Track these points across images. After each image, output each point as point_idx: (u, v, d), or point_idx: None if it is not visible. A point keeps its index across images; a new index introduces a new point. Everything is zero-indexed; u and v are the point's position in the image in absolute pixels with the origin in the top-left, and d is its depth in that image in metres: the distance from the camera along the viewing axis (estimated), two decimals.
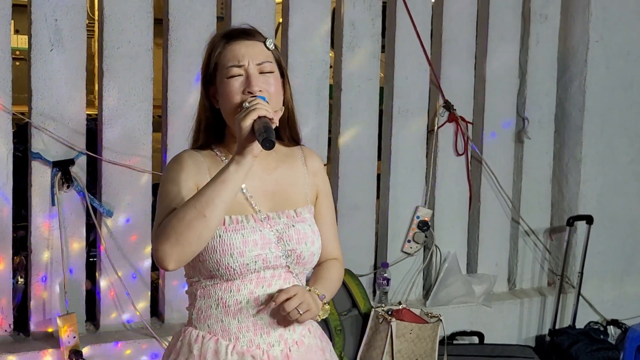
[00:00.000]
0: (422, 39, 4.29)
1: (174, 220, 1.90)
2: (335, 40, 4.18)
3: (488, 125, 4.58)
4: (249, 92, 1.99)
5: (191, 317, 2.10)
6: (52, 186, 3.46)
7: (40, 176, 3.47)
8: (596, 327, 4.72)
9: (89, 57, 3.67)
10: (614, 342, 4.67)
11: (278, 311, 2.00)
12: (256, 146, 1.89)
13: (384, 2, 4.25)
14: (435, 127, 4.42)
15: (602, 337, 4.58)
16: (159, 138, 3.80)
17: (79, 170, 3.53)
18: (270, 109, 1.93)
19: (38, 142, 3.45)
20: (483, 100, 4.56)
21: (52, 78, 3.44)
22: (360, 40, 4.14)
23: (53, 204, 3.47)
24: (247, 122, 1.88)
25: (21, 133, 3.66)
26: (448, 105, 4.41)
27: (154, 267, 3.81)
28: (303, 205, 2.13)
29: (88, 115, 3.62)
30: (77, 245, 3.57)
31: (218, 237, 1.98)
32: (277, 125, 1.96)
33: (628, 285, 5.00)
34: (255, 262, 1.99)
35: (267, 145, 1.85)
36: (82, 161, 3.55)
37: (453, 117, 4.43)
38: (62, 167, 3.46)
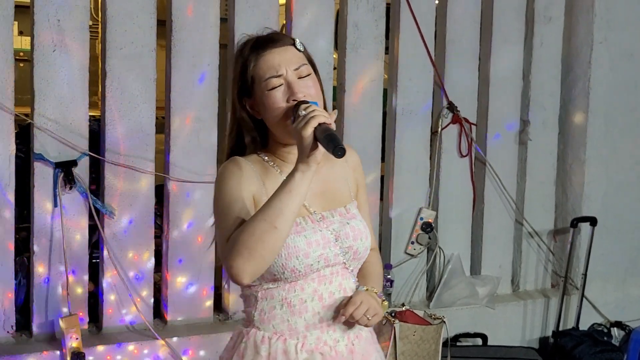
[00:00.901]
0: (425, 40, 4.28)
1: (244, 235, 1.88)
2: (339, 41, 4.18)
3: (492, 126, 4.57)
4: (293, 100, 1.98)
5: (252, 319, 2.09)
6: (55, 187, 3.46)
7: (43, 177, 3.46)
8: (600, 328, 4.71)
9: (94, 58, 3.67)
10: (617, 344, 4.66)
11: (339, 309, 2.04)
12: (319, 153, 1.88)
13: (387, 4, 4.24)
14: (439, 129, 4.41)
15: (605, 338, 4.58)
16: (162, 139, 3.79)
17: (81, 172, 3.52)
18: (325, 113, 1.91)
19: (40, 144, 3.44)
20: (487, 101, 4.55)
21: (54, 79, 3.44)
22: (363, 42, 4.13)
23: (55, 205, 3.47)
24: (309, 131, 1.86)
25: (24, 134, 3.66)
26: (452, 107, 4.40)
27: (157, 269, 3.81)
28: (349, 202, 2.17)
29: (91, 116, 3.62)
30: (80, 246, 3.57)
31: None
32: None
33: (632, 287, 4.99)
34: (318, 262, 2.02)
35: (339, 153, 1.83)
36: (84, 162, 3.54)
37: (457, 119, 4.42)
38: (65, 168, 3.45)
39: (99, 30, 3.67)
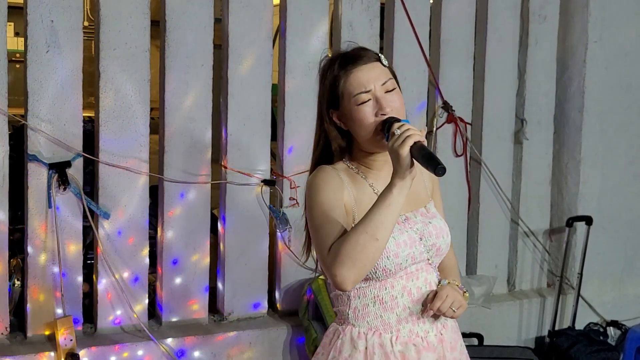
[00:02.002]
0: (420, 39, 4.28)
1: (347, 246, 2.02)
2: (334, 41, 4.18)
3: (487, 126, 4.57)
4: (382, 114, 2.12)
5: (347, 317, 2.23)
6: (49, 188, 3.45)
7: (37, 178, 3.46)
8: (596, 328, 4.71)
9: (90, 59, 3.66)
10: (613, 344, 4.66)
11: (426, 303, 2.19)
12: (415, 170, 2.02)
13: (382, 3, 4.23)
14: (434, 128, 4.41)
15: (601, 338, 4.58)
16: (156, 140, 3.79)
17: (75, 172, 3.52)
18: (417, 131, 2.03)
19: (34, 144, 3.44)
20: (482, 101, 4.55)
21: (48, 79, 3.43)
22: (358, 41, 4.03)
23: (50, 206, 3.46)
24: (405, 151, 1.99)
25: (17, 135, 3.65)
26: (447, 106, 4.40)
27: (151, 269, 3.81)
28: (428, 201, 2.32)
29: (87, 117, 3.61)
30: (74, 247, 3.56)
31: None
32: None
33: (628, 286, 4.99)
34: (406, 260, 2.17)
35: (441, 172, 1.96)
36: (78, 163, 3.53)
37: (452, 118, 4.42)
38: (59, 169, 3.45)
39: (94, 31, 3.66)
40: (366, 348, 2.19)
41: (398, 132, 2.03)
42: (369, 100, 2.14)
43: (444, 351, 2.24)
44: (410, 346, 2.19)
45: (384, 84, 2.16)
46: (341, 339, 2.23)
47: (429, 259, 2.23)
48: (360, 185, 2.21)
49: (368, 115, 2.14)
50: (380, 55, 2.22)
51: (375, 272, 2.15)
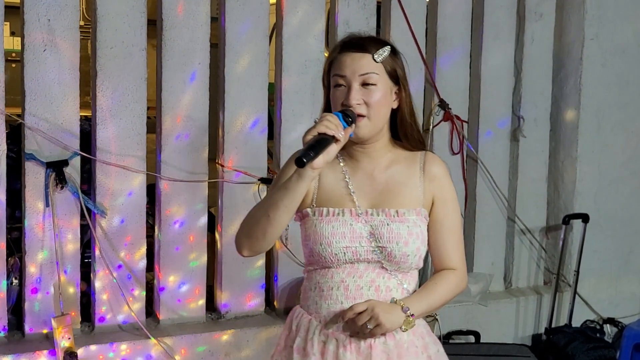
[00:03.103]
0: (416, 37, 4.28)
1: (248, 215, 2.14)
2: (330, 39, 4.18)
3: (483, 123, 4.57)
4: (345, 105, 2.12)
5: (300, 297, 2.30)
6: (46, 187, 3.45)
7: (34, 177, 3.46)
8: (592, 325, 4.72)
9: (86, 58, 3.66)
10: (610, 341, 4.67)
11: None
12: (316, 161, 1.99)
13: (378, 1, 4.24)
14: (431, 126, 4.41)
15: (598, 335, 4.58)
16: (153, 138, 3.79)
17: (73, 171, 3.52)
18: (336, 126, 2.01)
19: (32, 143, 3.44)
20: (478, 98, 4.56)
21: (45, 78, 3.43)
22: None
23: (47, 204, 3.46)
24: (307, 138, 2.01)
25: (15, 134, 3.65)
26: (443, 104, 4.40)
27: (149, 268, 3.81)
28: (410, 207, 2.20)
29: (83, 116, 3.61)
30: (72, 246, 3.57)
31: (314, 226, 2.17)
32: (346, 140, 2.08)
33: (624, 284, 5.00)
34: (344, 253, 2.14)
35: (297, 163, 1.96)
36: (76, 162, 3.54)
37: (448, 116, 4.42)
38: (56, 168, 3.45)
39: (91, 30, 3.66)
40: (296, 327, 2.23)
41: (316, 120, 2.05)
42: (342, 85, 2.15)
43: (375, 358, 2.14)
44: (332, 339, 2.16)
45: (362, 75, 2.14)
46: (289, 317, 2.30)
47: (381, 262, 2.16)
48: (333, 169, 2.22)
49: (336, 99, 2.16)
50: (378, 52, 2.17)
51: (313, 256, 2.18)
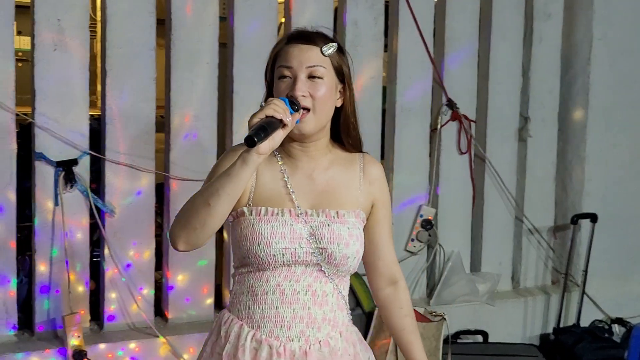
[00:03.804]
0: (424, 37, 4.29)
1: (185, 206, 2.01)
2: (339, 39, 4.18)
3: (491, 123, 4.58)
4: (291, 96, 2.03)
5: (229, 301, 2.18)
6: (56, 186, 3.47)
7: (44, 176, 3.48)
8: (600, 325, 4.71)
9: (92, 57, 3.68)
10: (618, 341, 4.66)
11: (303, 307, 2.08)
12: (262, 147, 1.92)
13: (386, 1, 4.25)
14: (439, 126, 4.42)
15: (606, 335, 4.58)
16: (161, 138, 3.81)
17: (82, 170, 3.54)
18: (283, 110, 1.94)
19: (41, 143, 3.46)
20: (486, 98, 4.56)
21: (55, 78, 3.45)
22: (362, 40, 4.14)
23: (56, 203, 3.48)
24: (254, 121, 1.92)
25: (25, 133, 3.67)
26: (451, 104, 4.41)
27: (158, 267, 3.82)
28: (349, 209, 2.15)
29: (90, 115, 3.63)
30: (81, 245, 3.58)
31: (251, 226, 2.06)
32: (293, 126, 2.00)
33: (633, 284, 4.99)
34: (283, 254, 2.05)
35: (246, 142, 1.88)
36: (85, 161, 3.55)
37: (456, 116, 4.43)
38: (66, 167, 3.46)
39: (98, 29, 3.67)
40: (226, 334, 2.11)
41: (262, 104, 1.97)
42: (288, 77, 2.07)
43: None
44: (265, 346, 2.06)
45: (310, 67, 2.07)
46: (216, 322, 2.19)
47: (320, 265, 2.09)
48: (271, 167, 2.13)
49: (281, 91, 2.07)
50: (326, 46, 2.11)
51: (249, 257, 2.06)
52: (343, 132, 2.19)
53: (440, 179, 4.47)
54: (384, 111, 4.36)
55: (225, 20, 3.89)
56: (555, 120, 4.80)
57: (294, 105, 2.00)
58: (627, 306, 4.92)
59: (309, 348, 2.07)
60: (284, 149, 2.13)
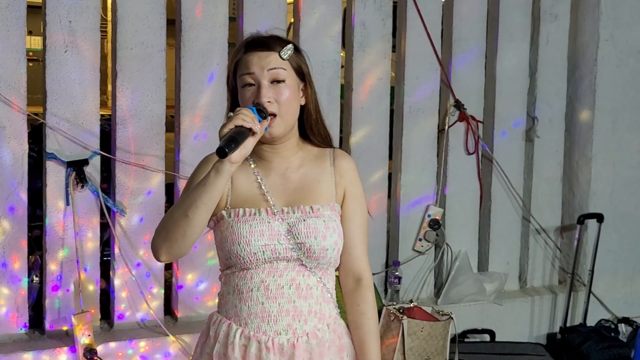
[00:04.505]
0: (432, 38, 4.31)
1: (164, 219, 2.07)
2: (346, 40, 4.21)
3: (498, 124, 4.59)
4: (257, 103, 2.07)
5: (217, 303, 2.23)
6: (67, 186, 3.50)
7: (55, 176, 3.50)
8: (607, 325, 4.72)
9: (102, 57, 3.70)
10: (625, 340, 4.67)
11: (288, 301, 2.12)
12: (234, 155, 1.96)
13: (394, 3, 4.27)
14: (446, 127, 4.43)
15: (613, 334, 4.59)
16: (172, 138, 3.83)
17: (93, 170, 3.56)
18: (252, 119, 1.99)
19: (53, 143, 3.49)
20: (493, 99, 4.58)
21: (66, 79, 3.48)
22: (371, 40, 4.17)
23: (67, 203, 3.51)
24: (224, 132, 1.96)
25: (36, 134, 3.70)
26: (458, 105, 4.43)
27: (167, 266, 3.85)
28: (324, 202, 2.19)
29: (101, 115, 3.65)
30: (91, 244, 3.61)
31: (230, 227, 2.11)
32: (262, 134, 2.04)
33: (639, 283, 5.00)
34: (264, 252, 2.09)
35: (218, 153, 1.92)
36: (96, 161, 3.58)
37: (463, 116, 4.44)
38: (77, 167, 3.49)
39: (109, 30, 3.70)
40: (216, 334, 2.16)
41: (231, 114, 2.02)
42: (251, 85, 2.11)
43: (298, 357, 2.11)
44: (254, 342, 2.10)
45: (271, 70, 2.11)
46: (206, 324, 2.24)
47: (301, 259, 2.12)
48: (245, 171, 2.17)
49: (246, 99, 2.11)
50: (284, 49, 2.14)
51: (231, 258, 2.11)
52: (308, 128, 2.24)
53: (447, 179, 4.49)
54: (392, 112, 4.38)
55: (235, 21, 3.91)
56: (562, 120, 4.81)
57: (261, 112, 2.04)
58: (633, 306, 4.93)
59: (297, 340, 2.11)
60: (255, 153, 2.16)
